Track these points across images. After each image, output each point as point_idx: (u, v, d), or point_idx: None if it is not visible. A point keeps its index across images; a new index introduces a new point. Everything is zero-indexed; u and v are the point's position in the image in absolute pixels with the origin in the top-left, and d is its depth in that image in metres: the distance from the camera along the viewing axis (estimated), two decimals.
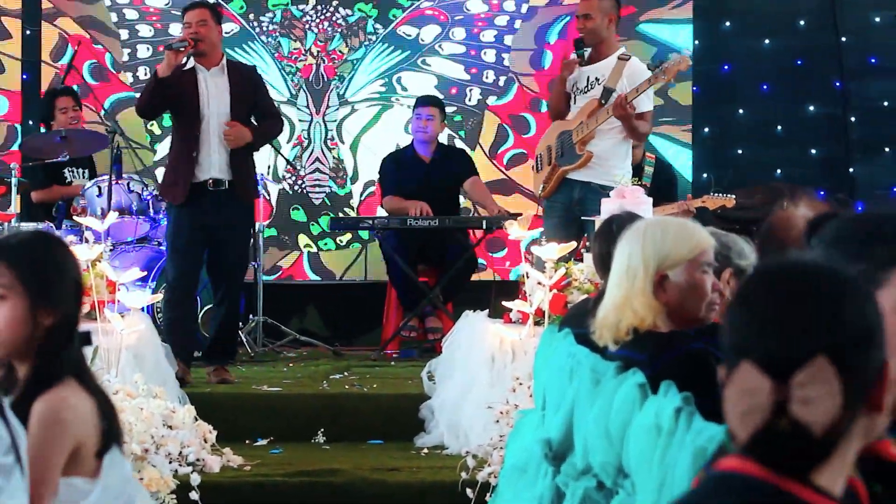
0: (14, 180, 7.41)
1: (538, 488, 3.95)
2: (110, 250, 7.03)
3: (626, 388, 3.21)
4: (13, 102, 9.44)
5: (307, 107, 9.67)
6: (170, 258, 7.05)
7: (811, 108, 9.86)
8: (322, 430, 6.45)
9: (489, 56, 9.80)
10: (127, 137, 8.58)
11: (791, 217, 3.31)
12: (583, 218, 6.86)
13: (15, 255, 2.84)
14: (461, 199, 8.79)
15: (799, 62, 9.83)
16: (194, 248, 7.01)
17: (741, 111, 9.91)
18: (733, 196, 7.72)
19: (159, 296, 6.89)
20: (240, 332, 8.03)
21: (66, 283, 2.87)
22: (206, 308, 7.59)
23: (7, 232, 6.76)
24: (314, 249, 9.73)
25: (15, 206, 7.37)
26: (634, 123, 6.93)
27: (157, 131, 9.48)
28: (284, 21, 9.71)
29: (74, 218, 7.64)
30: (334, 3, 9.73)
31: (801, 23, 9.85)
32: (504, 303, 6.40)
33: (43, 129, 8.52)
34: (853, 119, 9.84)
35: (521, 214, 7.99)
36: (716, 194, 7.79)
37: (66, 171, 8.37)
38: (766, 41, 9.87)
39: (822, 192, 9.34)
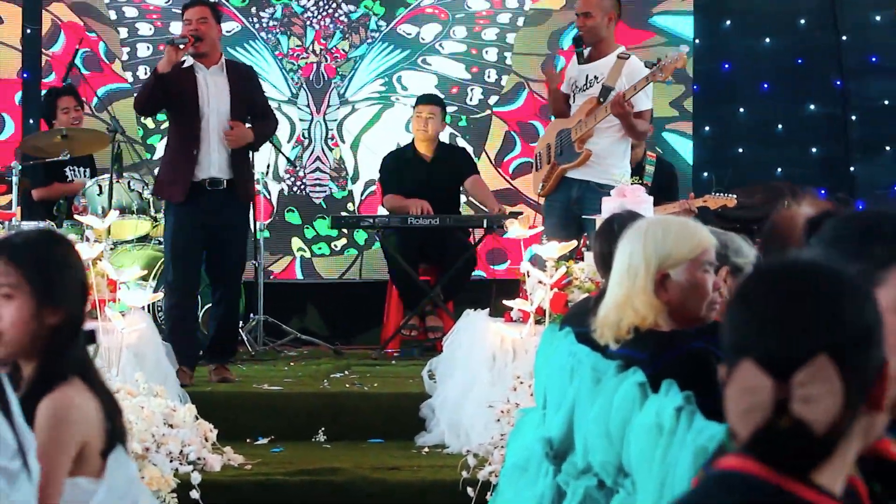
0: (15, 179, 7.41)
1: (539, 487, 3.95)
2: (111, 249, 7.05)
3: (626, 387, 3.21)
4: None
5: (308, 106, 9.64)
6: (170, 259, 7.02)
7: (811, 107, 9.86)
8: (323, 428, 6.45)
9: (491, 55, 9.74)
10: (129, 137, 8.58)
11: (794, 216, 3.31)
12: (583, 217, 6.86)
13: (21, 254, 2.84)
14: (461, 200, 8.80)
15: (799, 61, 9.83)
16: (195, 248, 7.01)
17: (741, 110, 9.92)
18: (734, 195, 7.73)
19: (160, 295, 6.88)
20: (240, 330, 8.03)
21: (71, 282, 2.87)
22: (206, 307, 7.60)
23: (8, 230, 6.77)
24: (307, 254, 9.64)
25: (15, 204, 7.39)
26: (633, 122, 6.93)
27: (151, 125, 9.39)
28: (284, 18, 9.65)
29: (75, 216, 7.64)
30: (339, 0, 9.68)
31: (802, 22, 9.85)
32: (505, 302, 6.40)
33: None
34: (853, 118, 9.84)
35: (521, 213, 7.99)
36: (717, 194, 7.80)
37: (67, 169, 8.38)
38: (767, 40, 9.87)
39: (822, 192, 9.35)
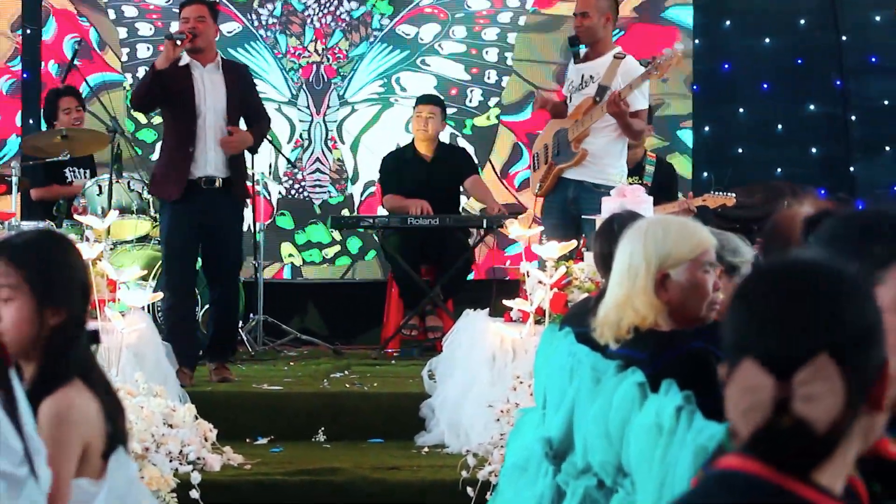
0: (14, 179, 7.41)
1: (539, 487, 3.95)
2: (110, 249, 7.04)
3: (625, 386, 3.21)
4: None
5: (307, 107, 9.61)
6: (167, 259, 7.00)
7: (811, 107, 9.86)
8: (322, 428, 6.45)
9: (491, 55, 9.69)
10: (127, 136, 8.57)
11: (795, 216, 3.31)
12: (583, 217, 6.86)
13: (21, 255, 2.83)
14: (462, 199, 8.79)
15: (799, 61, 9.83)
16: (191, 248, 7.02)
17: (741, 110, 9.91)
18: (734, 195, 7.73)
19: (159, 295, 6.88)
20: (240, 330, 8.04)
21: (72, 283, 2.86)
22: (205, 308, 7.59)
23: (8, 230, 6.77)
24: (298, 262, 9.54)
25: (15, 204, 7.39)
26: (629, 121, 6.93)
27: (143, 120, 9.31)
28: (283, 17, 9.59)
29: (75, 217, 7.64)
30: None
31: (802, 22, 9.85)
32: (505, 301, 6.40)
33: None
34: (853, 118, 9.84)
35: (521, 213, 7.99)
36: (716, 193, 7.80)
37: (66, 170, 8.37)
38: (767, 40, 9.87)
39: (822, 191, 9.35)
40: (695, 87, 9.72)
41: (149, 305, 6.86)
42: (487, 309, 6.68)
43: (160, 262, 7.39)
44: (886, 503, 1.84)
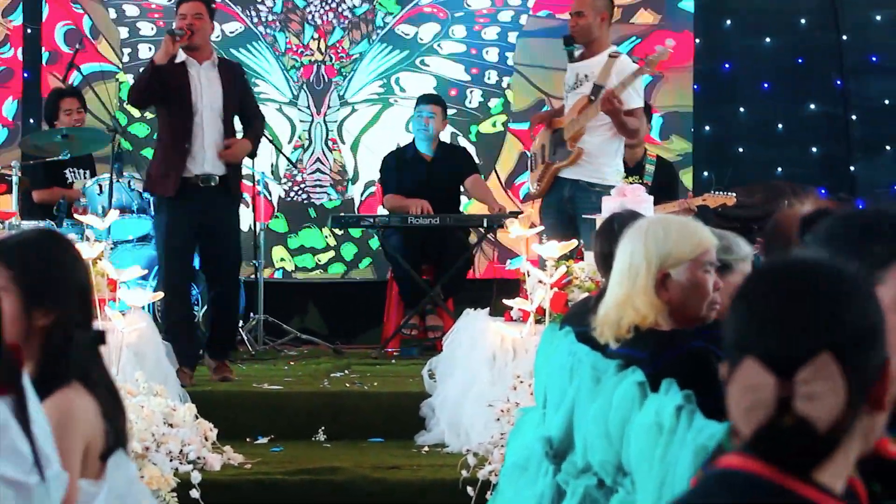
0: (15, 178, 7.41)
1: (539, 486, 3.95)
2: (111, 248, 7.04)
3: (625, 386, 3.21)
4: None
5: (308, 107, 9.59)
6: (166, 259, 6.95)
7: (812, 106, 9.86)
8: (323, 428, 6.45)
9: (491, 55, 9.63)
10: (126, 133, 8.55)
11: (796, 215, 3.31)
12: (583, 216, 6.86)
13: (11, 255, 2.81)
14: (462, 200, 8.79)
15: (799, 61, 9.83)
16: (190, 247, 7.01)
17: (742, 110, 9.91)
18: (734, 194, 7.73)
19: (160, 294, 6.88)
20: (240, 330, 8.04)
21: (64, 284, 2.82)
22: (205, 308, 7.59)
23: (8, 230, 6.77)
24: (290, 267, 9.42)
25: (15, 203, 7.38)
26: (623, 119, 6.94)
27: (136, 114, 9.19)
28: (282, 14, 9.51)
29: (75, 216, 7.63)
30: None
31: (802, 21, 9.84)
32: (505, 301, 6.41)
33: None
34: (854, 118, 9.84)
35: (521, 213, 7.99)
36: (716, 192, 7.80)
37: (67, 171, 8.37)
38: (767, 40, 9.87)
39: (822, 191, 9.35)
40: (695, 86, 9.72)
41: (149, 305, 6.86)
42: (488, 308, 6.68)
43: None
44: (886, 503, 1.84)
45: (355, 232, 9.41)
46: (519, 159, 9.45)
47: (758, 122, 9.87)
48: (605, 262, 4.19)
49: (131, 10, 9.47)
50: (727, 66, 9.88)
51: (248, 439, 6.31)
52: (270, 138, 8.86)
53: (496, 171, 9.39)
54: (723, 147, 9.83)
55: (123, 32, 9.46)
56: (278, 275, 9.43)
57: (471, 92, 9.62)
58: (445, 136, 8.77)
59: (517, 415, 4.95)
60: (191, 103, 6.92)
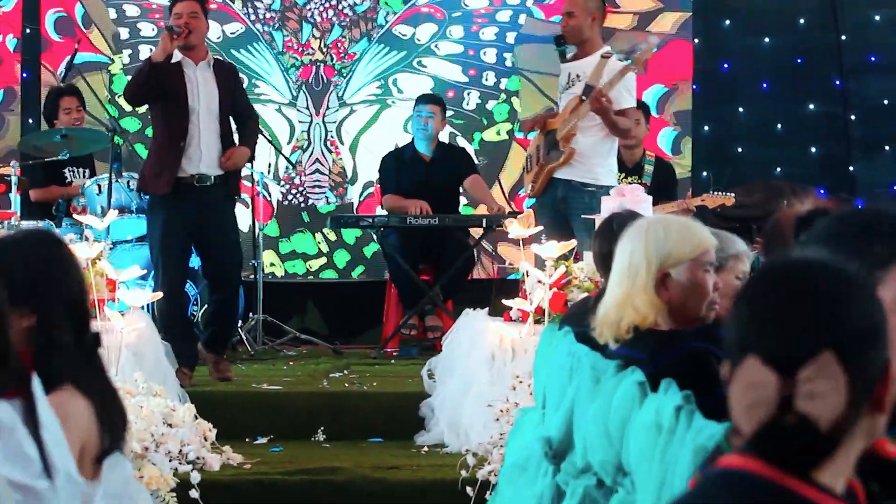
0: (14, 178, 7.41)
1: (538, 486, 3.95)
2: (110, 248, 7.03)
3: (625, 386, 3.21)
4: None
5: (307, 108, 9.56)
6: (163, 260, 6.91)
7: (811, 106, 9.86)
8: (322, 428, 6.45)
9: (489, 56, 9.58)
10: (125, 132, 8.52)
11: (796, 215, 3.32)
12: (583, 217, 6.86)
13: None
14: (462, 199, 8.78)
15: (799, 61, 9.83)
16: (187, 248, 7.00)
17: (741, 110, 9.91)
18: (732, 194, 7.73)
19: (159, 294, 6.88)
20: (239, 330, 8.04)
21: (45, 286, 2.78)
22: (205, 307, 7.59)
23: (7, 230, 6.77)
24: (280, 272, 9.32)
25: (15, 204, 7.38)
26: (613, 118, 6.94)
27: (127, 108, 8.99)
28: (281, 11, 9.46)
29: (74, 216, 7.63)
30: None
31: (801, 21, 9.84)
32: (504, 301, 6.40)
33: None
34: (853, 117, 9.84)
35: (521, 212, 7.98)
36: (715, 193, 7.80)
37: (66, 170, 8.37)
38: (766, 40, 9.87)
39: (822, 191, 9.35)
40: (695, 86, 9.72)
41: (148, 305, 6.85)
42: (487, 308, 6.68)
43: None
44: (885, 503, 1.84)
45: (349, 238, 9.40)
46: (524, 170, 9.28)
47: (757, 122, 9.87)
48: (604, 262, 4.19)
49: (132, 11, 9.42)
50: (726, 66, 9.88)
51: (247, 439, 6.31)
52: (269, 138, 8.85)
53: (500, 182, 9.15)
54: (722, 147, 9.84)
55: (124, 33, 9.40)
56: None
57: (468, 94, 9.59)
58: (444, 137, 8.75)
59: (516, 415, 4.95)
60: (187, 103, 6.91)
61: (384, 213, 8.44)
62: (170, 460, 5.37)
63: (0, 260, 2.77)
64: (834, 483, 1.61)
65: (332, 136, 9.55)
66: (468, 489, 5.39)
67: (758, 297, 1.66)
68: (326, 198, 9.51)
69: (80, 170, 8.43)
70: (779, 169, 9.76)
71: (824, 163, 9.86)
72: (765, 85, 9.85)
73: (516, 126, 9.42)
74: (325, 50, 9.52)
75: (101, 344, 2.86)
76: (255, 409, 6.58)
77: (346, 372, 7.44)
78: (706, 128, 9.86)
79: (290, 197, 9.50)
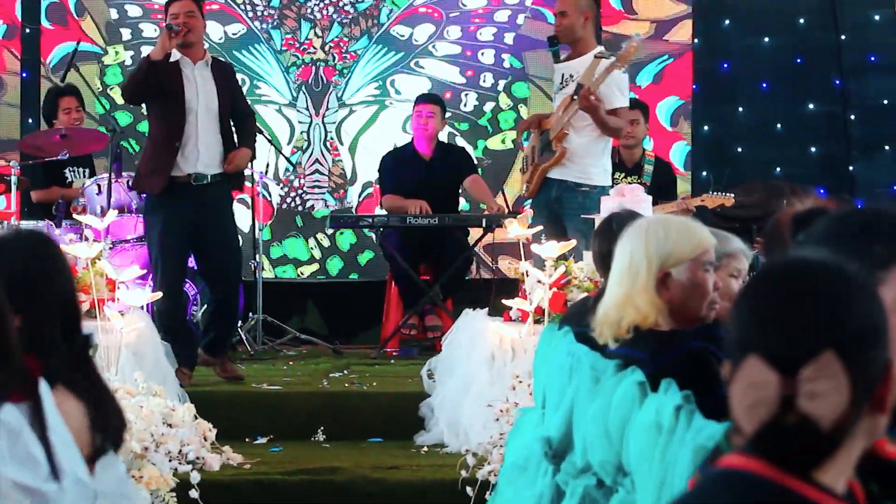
0: (14, 178, 7.41)
1: (538, 486, 3.95)
2: (110, 248, 7.03)
3: (625, 386, 3.21)
4: None
5: (307, 108, 9.55)
6: (162, 260, 6.89)
7: (811, 106, 9.86)
8: (322, 428, 6.45)
9: (487, 57, 9.55)
10: (122, 131, 8.51)
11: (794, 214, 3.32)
12: (582, 217, 6.86)
13: None
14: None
15: (798, 60, 9.83)
16: (185, 248, 6.99)
17: (741, 109, 9.91)
18: (732, 194, 7.73)
19: (159, 294, 6.88)
20: (239, 330, 8.04)
21: (35, 288, 2.76)
22: (205, 306, 7.58)
23: (7, 230, 6.77)
24: (270, 275, 9.20)
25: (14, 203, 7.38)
26: (603, 117, 6.94)
27: (119, 101, 9.00)
28: (279, 8, 9.43)
29: (74, 216, 7.63)
30: None
31: (801, 21, 9.85)
32: (504, 301, 6.40)
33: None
34: (853, 117, 9.84)
35: (521, 212, 7.98)
36: (715, 192, 7.80)
37: (66, 171, 8.37)
38: (766, 39, 9.87)
39: (822, 191, 9.35)
40: (695, 86, 9.72)
41: (147, 305, 6.85)
42: (486, 308, 6.68)
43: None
44: (884, 503, 1.84)
45: (344, 245, 9.39)
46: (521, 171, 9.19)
47: (757, 122, 9.87)
48: (604, 262, 4.19)
49: (134, 11, 9.39)
50: (726, 65, 9.88)
51: (247, 439, 6.31)
52: (269, 138, 8.84)
53: (504, 193, 8.88)
54: (722, 147, 9.84)
55: (126, 34, 9.36)
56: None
57: (466, 95, 9.55)
58: (443, 134, 8.75)
59: (516, 415, 4.95)
60: (184, 102, 6.91)
61: (384, 212, 8.44)
62: (170, 460, 5.37)
63: None
64: (835, 483, 1.61)
65: (331, 137, 9.52)
66: (468, 489, 5.39)
67: (759, 296, 1.66)
68: (325, 201, 9.47)
69: (81, 169, 8.43)
70: (779, 169, 9.76)
71: (824, 163, 9.86)
72: (765, 85, 9.85)
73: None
74: (326, 49, 9.49)
75: (92, 345, 2.84)
76: (255, 409, 6.58)
77: (346, 372, 7.44)
78: (706, 128, 9.86)
79: (288, 200, 9.47)
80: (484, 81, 9.56)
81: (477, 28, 9.57)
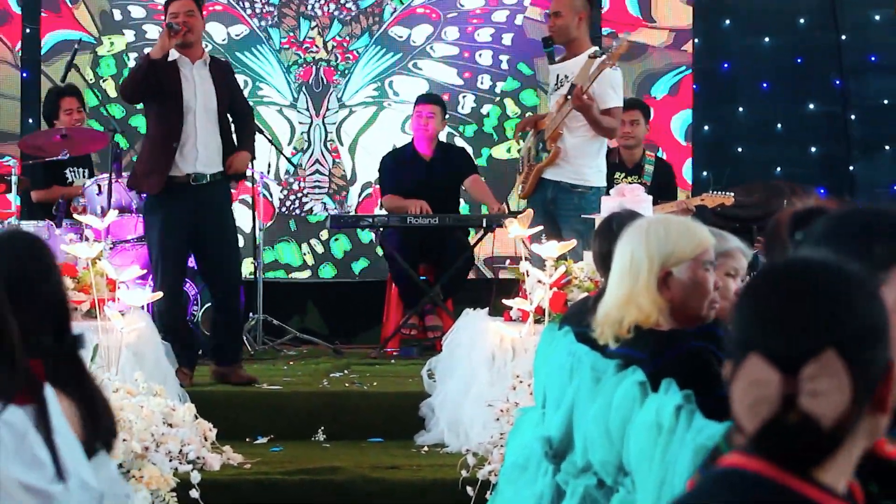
0: (14, 178, 7.40)
1: (538, 486, 3.95)
2: (110, 248, 7.03)
3: (625, 385, 3.21)
4: None
5: (307, 109, 9.53)
6: (162, 260, 6.88)
7: (811, 106, 9.86)
8: (322, 428, 6.45)
9: (485, 58, 9.51)
10: (122, 131, 8.51)
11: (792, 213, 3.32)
12: (583, 216, 6.87)
13: None
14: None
15: (799, 60, 9.83)
16: (185, 248, 6.99)
17: (741, 109, 9.92)
18: (732, 194, 7.74)
19: (159, 294, 6.88)
20: None
21: (24, 288, 2.70)
22: (206, 306, 7.58)
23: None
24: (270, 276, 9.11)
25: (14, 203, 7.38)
26: (596, 116, 6.94)
27: (112, 93, 8.99)
28: (279, 6, 9.40)
29: (74, 216, 7.63)
30: None
31: (801, 21, 9.85)
32: (504, 301, 6.40)
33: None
34: (853, 117, 9.84)
35: (521, 212, 7.98)
36: (714, 192, 7.81)
37: (67, 171, 8.37)
38: (766, 39, 9.87)
39: (822, 191, 9.35)
40: (695, 86, 9.72)
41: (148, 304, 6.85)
42: (487, 308, 6.68)
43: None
44: (884, 503, 1.84)
45: (338, 252, 9.38)
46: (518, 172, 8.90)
47: (757, 122, 9.87)
48: (604, 262, 4.19)
49: (137, 12, 9.35)
50: (726, 65, 9.88)
51: (247, 439, 6.31)
52: (269, 138, 8.84)
53: (508, 204, 8.61)
54: (722, 147, 9.84)
55: (129, 35, 9.32)
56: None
57: (463, 97, 9.52)
58: (443, 134, 8.74)
59: (516, 414, 4.95)
60: (183, 102, 6.90)
61: (384, 212, 8.44)
62: (170, 460, 5.37)
63: None
64: (835, 482, 1.61)
65: (331, 138, 9.50)
66: (468, 489, 5.39)
67: (760, 295, 1.66)
68: (324, 204, 9.42)
69: (81, 169, 8.43)
70: (779, 169, 9.76)
71: (824, 163, 9.86)
72: (765, 85, 9.85)
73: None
74: (329, 48, 9.46)
75: (83, 345, 2.83)
76: (255, 409, 6.58)
77: (346, 372, 7.44)
78: (706, 127, 9.86)
79: (287, 203, 9.44)
80: (482, 83, 9.52)
81: (475, 29, 9.53)
